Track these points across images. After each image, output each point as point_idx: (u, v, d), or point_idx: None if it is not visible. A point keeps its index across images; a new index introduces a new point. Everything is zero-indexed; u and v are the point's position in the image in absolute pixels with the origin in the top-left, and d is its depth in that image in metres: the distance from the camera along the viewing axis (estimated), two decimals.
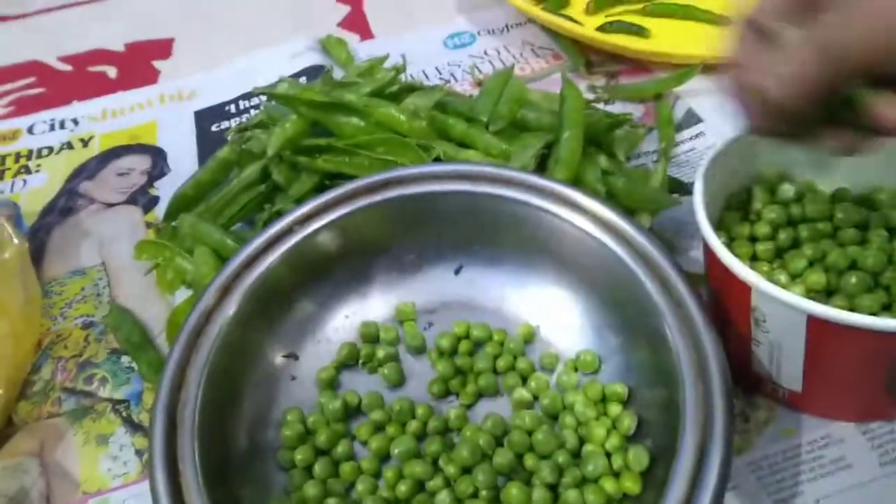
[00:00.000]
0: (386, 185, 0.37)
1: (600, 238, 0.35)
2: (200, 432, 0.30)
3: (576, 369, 0.36)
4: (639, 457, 0.30)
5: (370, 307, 0.38)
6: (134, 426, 0.36)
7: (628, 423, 0.32)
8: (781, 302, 0.29)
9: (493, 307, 0.38)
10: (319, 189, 0.44)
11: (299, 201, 0.43)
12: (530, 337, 0.37)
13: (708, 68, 0.53)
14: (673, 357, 0.30)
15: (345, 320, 0.37)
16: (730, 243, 0.35)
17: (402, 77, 0.48)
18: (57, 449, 0.36)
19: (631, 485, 0.30)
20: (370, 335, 0.37)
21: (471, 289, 0.38)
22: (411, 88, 0.47)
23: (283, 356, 0.35)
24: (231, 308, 0.33)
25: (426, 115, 0.43)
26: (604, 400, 0.34)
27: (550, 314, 0.37)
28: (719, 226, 0.36)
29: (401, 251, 0.38)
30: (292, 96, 0.43)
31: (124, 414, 0.37)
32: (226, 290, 0.34)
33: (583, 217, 0.35)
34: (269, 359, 0.35)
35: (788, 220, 0.35)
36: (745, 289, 0.30)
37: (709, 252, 0.33)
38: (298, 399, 0.35)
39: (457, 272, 0.39)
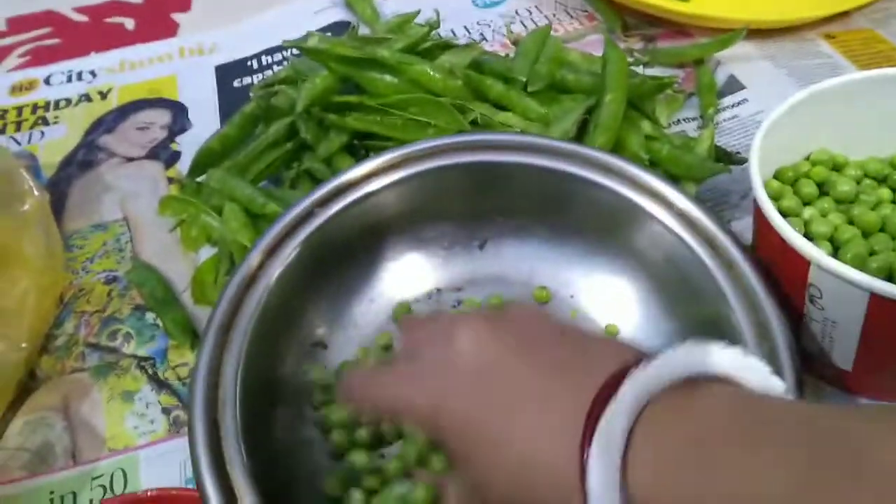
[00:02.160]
0: (406, 160, 0.35)
1: (645, 207, 0.33)
2: (242, 397, 0.29)
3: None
4: None
5: (392, 291, 0.36)
6: (160, 384, 0.36)
7: None
8: (844, 279, 0.28)
9: (523, 280, 0.36)
10: (348, 148, 0.42)
11: (328, 161, 0.42)
12: (547, 300, 0.36)
13: (750, 34, 0.51)
14: (735, 332, 0.29)
15: (370, 304, 0.36)
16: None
17: (434, 34, 0.46)
18: (82, 405, 0.35)
19: None
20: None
21: (498, 263, 0.37)
22: (445, 46, 0.45)
23: (311, 345, 0.34)
24: (274, 272, 0.32)
25: (462, 75, 0.41)
26: None
27: (587, 286, 0.36)
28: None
29: (421, 228, 0.37)
30: (323, 50, 0.41)
31: (150, 371, 0.36)
32: (268, 255, 0.32)
33: (625, 185, 0.34)
34: (307, 331, 0.34)
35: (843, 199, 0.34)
36: (802, 264, 0.29)
37: (762, 224, 0.31)
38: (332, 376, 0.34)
39: (481, 247, 0.37)
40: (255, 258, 0.33)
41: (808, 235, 0.33)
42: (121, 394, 0.35)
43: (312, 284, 0.34)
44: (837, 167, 0.35)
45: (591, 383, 0.21)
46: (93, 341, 0.38)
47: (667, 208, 0.33)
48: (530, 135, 0.36)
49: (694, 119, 0.47)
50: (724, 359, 0.22)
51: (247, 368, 0.30)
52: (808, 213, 0.33)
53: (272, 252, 0.33)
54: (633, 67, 0.49)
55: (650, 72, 0.50)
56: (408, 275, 0.37)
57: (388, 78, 0.41)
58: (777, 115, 0.34)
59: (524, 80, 0.42)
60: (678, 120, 0.47)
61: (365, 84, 0.42)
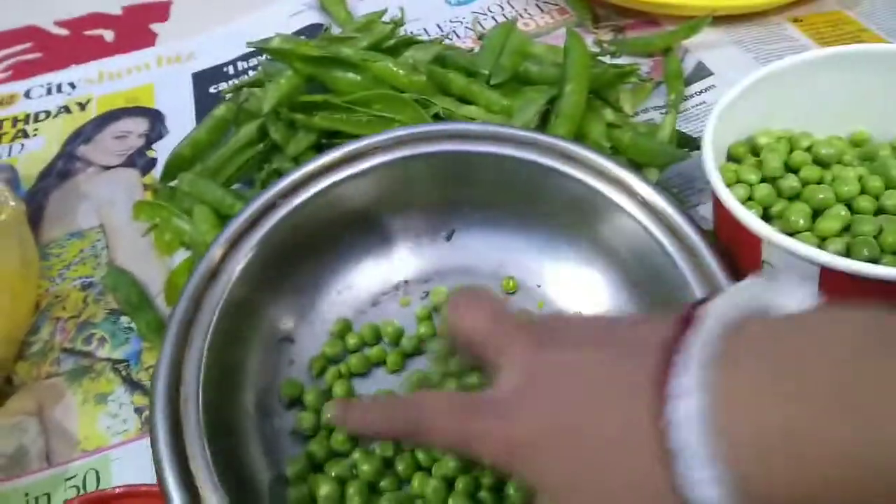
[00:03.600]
0: (371, 150, 0.36)
1: (607, 194, 0.34)
2: (205, 393, 0.29)
3: None
4: None
5: (360, 283, 0.37)
6: (133, 385, 0.36)
7: None
8: (794, 254, 0.28)
9: (491, 271, 0.37)
10: (317, 147, 0.43)
11: (297, 160, 0.42)
12: (514, 290, 0.36)
13: (718, 20, 0.51)
14: None
15: (337, 296, 0.36)
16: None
17: (402, 31, 0.47)
18: (56, 408, 0.35)
19: None
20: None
21: (465, 254, 0.37)
22: (410, 42, 0.45)
23: (278, 340, 0.34)
24: (237, 266, 0.32)
25: (425, 70, 0.42)
26: None
27: (554, 276, 0.36)
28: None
29: (387, 219, 0.37)
30: (286, 50, 0.42)
31: (124, 373, 0.37)
32: (230, 247, 0.33)
33: (586, 173, 0.34)
34: (271, 325, 0.34)
35: (792, 168, 0.34)
36: (755, 241, 0.29)
37: (718, 205, 0.32)
38: (298, 371, 0.34)
39: (448, 238, 0.38)
40: (216, 252, 0.33)
41: (768, 216, 0.33)
42: (94, 396, 0.36)
43: (277, 278, 0.35)
44: (793, 146, 0.35)
45: (650, 361, 0.19)
46: (68, 346, 0.38)
47: (629, 196, 0.33)
48: (495, 124, 0.37)
49: (663, 107, 0.47)
50: (776, 292, 0.20)
51: (210, 364, 0.30)
52: (764, 190, 0.33)
53: (234, 245, 0.33)
54: (601, 58, 0.49)
55: (620, 62, 0.50)
56: (375, 267, 0.37)
57: (351, 75, 0.42)
58: (731, 97, 0.34)
59: (487, 73, 0.42)
60: (647, 108, 0.47)
61: (329, 83, 0.42)
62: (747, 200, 0.33)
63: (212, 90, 0.56)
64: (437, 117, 0.40)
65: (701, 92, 0.48)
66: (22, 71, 0.61)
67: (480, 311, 0.25)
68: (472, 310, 0.25)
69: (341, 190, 0.35)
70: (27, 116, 0.56)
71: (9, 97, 0.58)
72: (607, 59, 0.50)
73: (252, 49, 0.56)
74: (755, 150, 0.36)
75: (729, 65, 0.49)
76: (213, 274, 0.32)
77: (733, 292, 0.20)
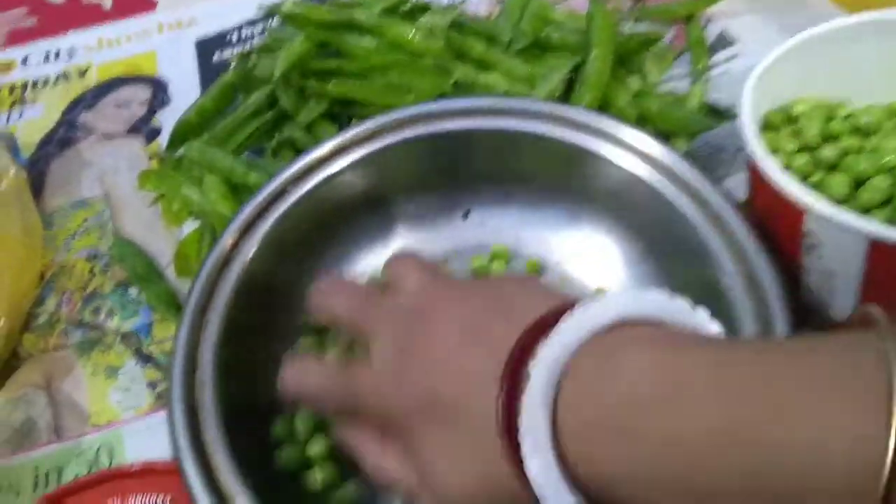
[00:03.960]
0: (380, 131, 0.34)
1: (632, 170, 0.32)
2: (221, 377, 0.28)
3: None
4: None
5: (377, 265, 0.35)
6: (144, 358, 0.35)
7: None
8: (841, 226, 0.27)
9: (509, 248, 0.35)
10: (329, 115, 0.41)
11: (308, 129, 0.41)
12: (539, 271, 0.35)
13: None
14: (726, 287, 0.28)
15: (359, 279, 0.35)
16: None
17: None
18: (65, 381, 0.34)
19: None
20: None
21: (482, 232, 0.36)
22: (425, 8, 0.44)
23: (296, 326, 0.33)
24: (249, 254, 0.31)
25: (443, 35, 0.40)
26: None
27: (573, 251, 0.35)
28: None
29: (400, 201, 0.36)
30: (298, 14, 0.40)
31: (134, 346, 0.35)
32: (242, 235, 0.32)
33: (609, 144, 0.33)
34: (287, 313, 0.33)
35: (830, 137, 0.33)
36: (797, 213, 0.28)
37: (755, 175, 0.30)
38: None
39: (465, 216, 0.36)
40: (230, 236, 0.32)
41: (806, 187, 0.32)
42: (104, 369, 0.35)
43: (292, 262, 0.33)
44: (831, 114, 0.34)
45: (513, 332, 0.20)
46: (75, 318, 0.37)
47: (652, 165, 0.32)
48: (509, 98, 0.35)
49: (685, 77, 0.46)
50: (654, 302, 0.21)
51: (226, 350, 0.29)
52: (801, 160, 0.32)
53: (248, 230, 0.32)
54: (622, 25, 0.47)
55: (639, 29, 0.49)
56: (392, 248, 0.36)
57: (366, 41, 0.40)
58: (768, 63, 0.33)
59: (508, 39, 0.41)
60: (669, 78, 0.46)
61: (344, 48, 0.41)
62: (785, 170, 0.32)
63: (216, 58, 0.54)
64: (456, 85, 0.38)
65: (725, 61, 0.46)
66: (18, 37, 0.59)
67: (343, 294, 0.27)
68: (335, 294, 0.27)
69: (353, 174, 0.34)
70: (25, 84, 0.54)
71: (6, 64, 0.56)
72: (628, 27, 0.48)
73: (257, 16, 0.55)
74: (791, 119, 0.34)
75: (752, 33, 0.48)
76: (227, 259, 0.31)
77: (638, 295, 0.21)
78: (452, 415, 0.21)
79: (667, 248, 0.32)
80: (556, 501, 0.19)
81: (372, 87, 0.39)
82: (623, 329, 0.20)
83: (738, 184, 0.39)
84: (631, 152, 0.33)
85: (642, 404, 0.18)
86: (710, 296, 0.29)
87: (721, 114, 0.40)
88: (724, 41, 0.48)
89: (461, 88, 0.39)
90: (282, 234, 0.33)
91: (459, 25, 0.42)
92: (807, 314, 0.32)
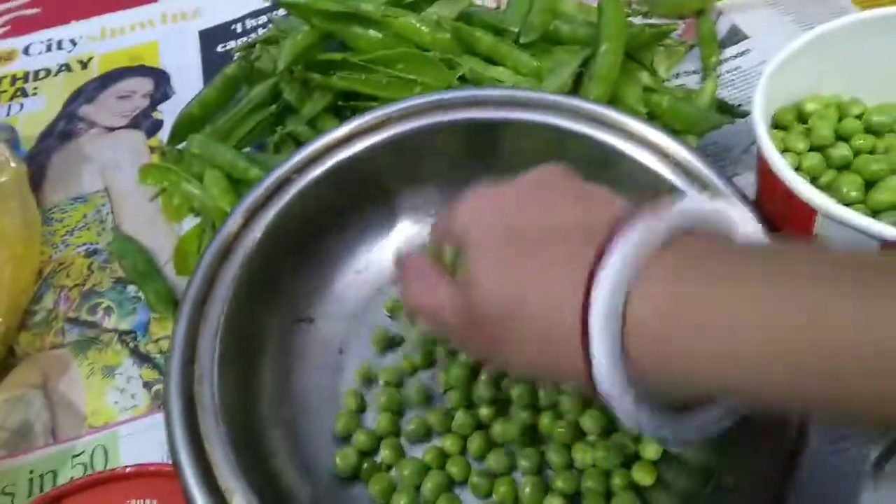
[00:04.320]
0: (388, 120, 0.34)
1: (641, 160, 0.32)
2: (220, 371, 0.28)
3: None
4: None
5: (379, 261, 0.35)
6: (141, 357, 0.35)
7: None
8: (852, 227, 0.26)
9: None
10: (333, 109, 0.41)
11: (312, 122, 0.40)
12: None
13: None
14: None
15: (356, 276, 0.34)
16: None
17: None
18: (61, 381, 0.34)
19: None
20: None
21: None
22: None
23: (296, 320, 0.33)
24: (252, 243, 0.31)
25: (450, 27, 0.39)
26: None
27: None
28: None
29: (406, 193, 0.35)
30: (303, 5, 0.39)
31: (131, 345, 0.35)
32: (245, 224, 0.31)
33: (621, 138, 0.32)
34: (289, 305, 0.32)
35: (842, 136, 0.32)
36: (808, 213, 0.27)
37: (766, 174, 0.30)
38: (319, 352, 0.33)
39: None
40: (230, 228, 0.31)
41: (817, 187, 0.31)
42: (101, 368, 0.34)
43: (293, 256, 0.33)
44: (843, 113, 0.33)
45: (592, 247, 0.20)
46: (73, 316, 0.37)
47: (662, 158, 0.31)
48: (520, 89, 0.34)
49: (695, 72, 0.45)
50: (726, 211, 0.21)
51: (225, 342, 0.28)
52: (813, 159, 0.31)
53: (248, 222, 0.32)
54: (631, 19, 0.46)
55: (651, 23, 0.48)
56: (393, 243, 0.35)
57: (372, 33, 0.39)
58: (780, 60, 0.32)
59: (516, 31, 0.40)
60: (678, 73, 0.45)
61: (349, 40, 0.40)
62: (795, 170, 0.31)
63: (219, 49, 0.53)
64: (462, 79, 0.38)
65: (736, 56, 0.45)
66: (20, 26, 0.59)
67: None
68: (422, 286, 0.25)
69: (356, 165, 0.33)
70: (26, 74, 0.53)
71: (7, 53, 0.56)
72: (638, 20, 0.47)
73: (261, 6, 0.55)
74: (802, 117, 0.33)
75: (764, 28, 0.47)
76: (227, 251, 0.31)
77: (699, 202, 0.21)
78: (534, 313, 0.21)
79: None
80: (614, 393, 0.19)
81: (377, 80, 0.39)
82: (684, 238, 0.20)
83: (746, 183, 0.38)
84: (643, 146, 0.32)
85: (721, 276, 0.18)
86: None
87: (731, 111, 0.39)
88: (735, 36, 0.47)
89: (468, 82, 0.38)
90: (283, 225, 0.32)
91: (467, 17, 0.42)
92: None
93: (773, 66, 0.32)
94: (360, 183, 0.34)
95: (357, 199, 0.34)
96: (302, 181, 0.33)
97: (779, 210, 0.30)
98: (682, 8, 0.48)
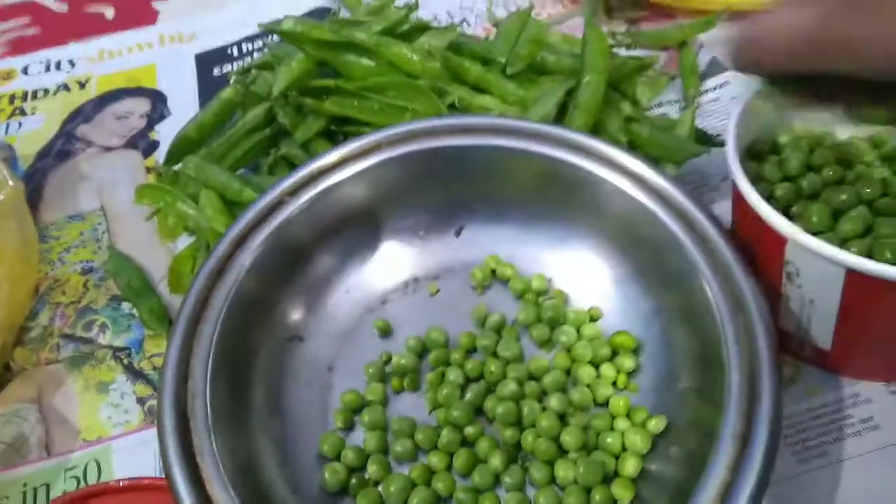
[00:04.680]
0: (377, 146, 0.35)
1: (622, 187, 0.33)
2: (213, 389, 0.28)
3: (591, 320, 0.34)
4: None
5: (369, 281, 0.36)
6: (135, 374, 0.35)
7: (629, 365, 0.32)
8: (820, 255, 0.27)
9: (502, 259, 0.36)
10: (326, 134, 0.42)
11: (305, 146, 0.42)
12: (543, 291, 0.35)
13: (734, 15, 0.50)
14: (711, 308, 0.29)
15: (345, 295, 0.35)
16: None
17: (414, 17, 0.46)
18: (56, 396, 0.35)
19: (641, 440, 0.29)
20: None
21: (474, 250, 0.36)
22: (423, 29, 0.44)
23: (287, 338, 0.34)
24: (245, 264, 0.32)
25: (440, 56, 0.41)
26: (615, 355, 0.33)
27: (564, 270, 0.36)
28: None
29: (395, 216, 0.36)
30: (299, 33, 0.40)
31: (125, 361, 0.36)
32: (237, 245, 0.32)
33: (602, 166, 0.34)
34: (280, 323, 0.33)
35: (813, 167, 0.34)
36: (779, 241, 0.29)
37: (739, 202, 0.31)
38: (309, 370, 0.33)
39: (457, 234, 0.37)
40: (223, 249, 0.32)
41: (788, 216, 0.32)
42: (95, 384, 0.35)
43: (285, 275, 0.34)
44: (815, 145, 0.34)
45: None
46: (68, 332, 0.37)
47: (640, 186, 0.33)
48: (506, 117, 0.36)
49: (677, 101, 0.47)
50: None
51: (218, 360, 0.29)
52: (784, 189, 0.33)
53: (242, 242, 0.33)
54: (615, 50, 0.48)
55: (633, 54, 0.50)
56: (384, 264, 0.36)
57: (364, 61, 0.41)
58: (754, 92, 0.33)
59: (503, 61, 0.41)
60: (660, 103, 0.47)
61: (342, 68, 0.41)
62: (768, 199, 0.32)
63: (215, 72, 0.54)
64: (451, 106, 0.39)
65: (716, 88, 0.47)
66: (19, 46, 0.60)
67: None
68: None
69: (347, 188, 0.34)
70: (25, 94, 0.55)
71: (6, 73, 0.57)
72: (622, 52, 0.49)
73: (257, 31, 0.56)
74: (776, 149, 0.35)
75: None
76: (221, 270, 0.32)
77: None
78: None
79: (655, 269, 0.33)
80: None
81: (369, 106, 0.40)
82: None
83: (723, 211, 0.40)
84: (623, 174, 0.33)
85: None
86: (695, 317, 0.30)
87: (709, 140, 0.41)
88: (715, 68, 0.49)
89: (457, 110, 0.40)
90: (275, 246, 0.33)
91: (457, 47, 0.43)
92: (787, 340, 0.33)
93: (746, 98, 0.34)
94: (350, 206, 0.35)
95: (347, 221, 0.35)
96: (294, 204, 0.34)
97: (752, 236, 0.31)
98: (664, 40, 0.50)
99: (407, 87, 0.40)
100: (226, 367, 0.30)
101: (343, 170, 0.35)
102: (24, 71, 0.57)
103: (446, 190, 0.36)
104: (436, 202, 0.36)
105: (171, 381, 0.28)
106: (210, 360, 0.29)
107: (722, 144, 0.41)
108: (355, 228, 0.36)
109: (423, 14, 0.55)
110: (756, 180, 0.33)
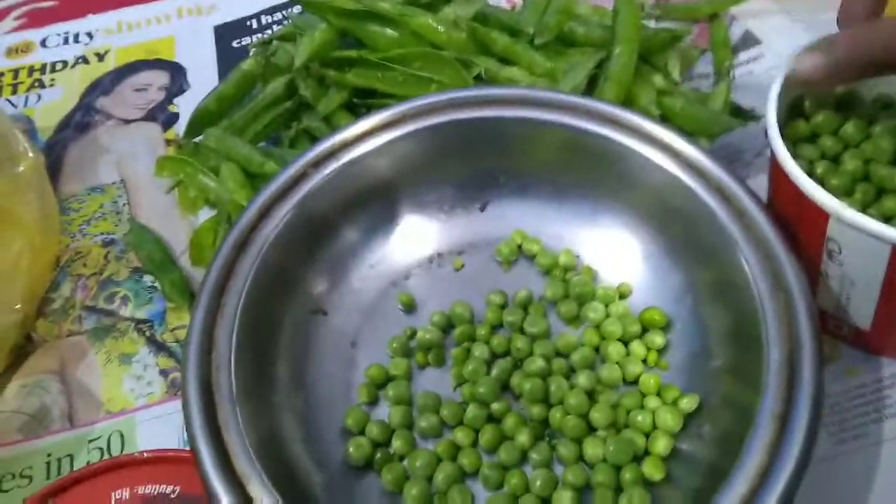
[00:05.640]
0: (403, 118, 0.34)
1: (655, 160, 0.32)
2: (237, 361, 0.28)
3: (621, 297, 0.34)
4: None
5: (392, 255, 0.35)
6: (158, 346, 0.35)
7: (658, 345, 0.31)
8: (865, 231, 0.26)
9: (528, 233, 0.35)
10: (349, 106, 0.41)
11: (327, 119, 0.41)
12: (571, 267, 0.35)
13: None
14: (749, 284, 0.28)
15: (369, 270, 0.35)
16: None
17: None
18: (78, 368, 0.34)
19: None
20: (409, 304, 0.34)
21: (500, 225, 0.36)
22: None
23: (311, 311, 0.33)
24: (269, 235, 0.31)
25: (466, 27, 0.40)
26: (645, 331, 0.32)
27: (592, 245, 0.35)
28: None
29: (420, 190, 0.35)
30: (320, 2, 0.40)
31: (147, 334, 0.36)
32: (261, 216, 0.31)
33: (632, 138, 0.33)
34: (304, 296, 0.33)
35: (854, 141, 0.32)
36: (821, 217, 0.28)
37: (778, 176, 0.30)
38: (333, 344, 0.33)
39: (482, 209, 0.36)
40: (247, 220, 0.32)
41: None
42: (118, 356, 0.35)
43: (309, 248, 0.33)
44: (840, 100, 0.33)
45: None
46: (90, 304, 0.37)
47: (674, 158, 0.32)
48: (535, 88, 0.35)
49: (707, 76, 0.45)
50: None
51: (242, 332, 0.29)
52: (823, 165, 0.32)
53: (265, 214, 0.32)
54: (645, 22, 0.47)
55: (663, 26, 0.48)
56: (408, 239, 0.35)
57: (388, 31, 0.40)
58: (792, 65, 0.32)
59: (531, 32, 0.40)
60: (692, 76, 0.45)
61: (365, 38, 0.40)
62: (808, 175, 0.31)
63: (234, 44, 0.54)
64: (478, 78, 0.38)
65: (748, 62, 0.46)
66: (37, 19, 0.59)
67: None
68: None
69: (371, 160, 0.34)
70: (43, 66, 0.54)
71: (24, 45, 0.56)
72: (651, 24, 0.48)
73: (276, 3, 0.55)
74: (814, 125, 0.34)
75: (778, 33, 0.47)
76: (245, 242, 0.31)
77: None
78: None
79: (688, 244, 0.32)
80: None
81: (393, 78, 0.39)
82: None
83: (758, 186, 0.38)
84: (656, 147, 0.32)
85: None
86: (731, 293, 0.29)
87: (744, 114, 0.40)
88: (748, 41, 0.47)
89: (483, 82, 0.39)
90: (299, 219, 0.32)
91: (483, 17, 0.42)
92: (825, 319, 0.32)
93: (784, 72, 0.32)
94: (374, 179, 0.34)
95: (371, 195, 0.35)
96: (317, 176, 0.33)
97: (791, 213, 0.30)
98: (695, 13, 0.49)
99: (432, 59, 0.39)
100: (250, 340, 0.29)
101: (366, 142, 0.34)
102: (43, 43, 0.56)
103: (472, 164, 0.35)
104: (461, 176, 0.36)
105: (195, 353, 0.28)
106: (234, 332, 0.29)
107: (757, 118, 0.40)
108: (379, 202, 0.35)
109: None
110: (794, 156, 0.32)
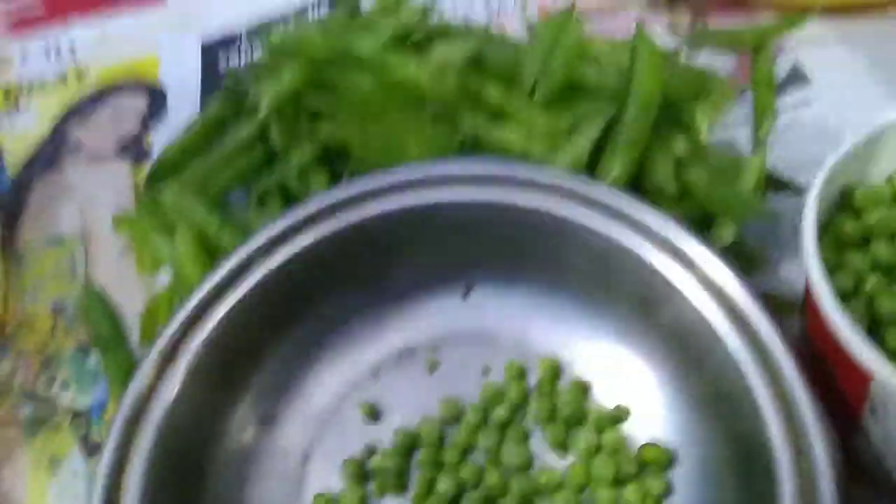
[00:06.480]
0: (366, 196, 0.30)
1: (676, 283, 0.26)
2: (155, 484, 0.25)
3: (616, 421, 0.29)
4: None
5: (355, 350, 0.31)
6: (90, 448, 0.32)
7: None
8: None
9: (513, 340, 0.30)
10: (324, 160, 0.36)
11: (301, 174, 0.36)
12: (557, 373, 0.30)
13: (827, 11, 0.41)
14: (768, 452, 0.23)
15: (327, 369, 0.31)
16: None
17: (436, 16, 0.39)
18: (2, 471, 0.31)
19: None
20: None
21: (482, 316, 0.31)
22: (443, 33, 0.38)
23: (256, 421, 0.29)
24: (175, 383, 0.27)
25: (457, 73, 0.34)
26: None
27: (586, 352, 0.30)
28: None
29: (392, 276, 0.31)
30: (289, 47, 0.35)
31: (82, 432, 0.32)
32: (170, 356, 0.27)
33: (637, 235, 0.27)
34: (235, 434, 0.29)
35: None
36: (863, 377, 0.22)
37: (813, 308, 0.24)
38: (278, 461, 0.29)
39: (465, 296, 0.31)
40: (189, 310, 0.28)
41: (877, 318, 0.25)
42: (48, 459, 0.31)
43: (258, 345, 0.29)
44: None
45: None
46: (29, 387, 0.34)
47: (686, 268, 0.26)
48: (520, 164, 0.30)
49: (744, 123, 0.38)
50: None
51: (165, 447, 0.26)
52: (874, 280, 0.26)
53: (210, 305, 0.28)
54: (674, 46, 0.40)
55: (696, 58, 0.41)
56: (371, 332, 0.31)
57: (366, 80, 0.34)
58: (843, 154, 0.26)
59: (532, 80, 0.34)
60: (724, 124, 0.39)
61: (339, 83, 0.35)
62: (853, 295, 0.25)
63: (221, 66, 0.49)
64: (462, 144, 0.33)
65: (794, 108, 0.39)
66: (19, 28, 0.56)
67: None
68: None
69: (334, 244, 0.29)
70: (20, 86, 0.51)
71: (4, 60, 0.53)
72: (683, 54, 0.41)
73: (269, 19, 0.50)
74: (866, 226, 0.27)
75: (833, 71, 0.40)
76: (185, 333, 0.28)
77: None
78: None
79: (701, 378, 0.27)
80: None
81: (369, 137, 0.34)
82: None
83: (793, 276, 0.33)
84: (679, 261, 0.27)
85: None
86: (745, 449, 0.24)
87: (783, 185, 0.34)
88: (795, 79, 0.40)
89: (470, 144, 0.33)
90: (241, 317, 0.29)
91: (479, 57, 0.36)
92: (861, 470, 0.26)
93: (836, 159, 0.26)
94: (335, 267, 0.30)
95: (328, 282, 0.30)
96: (266, 265, 0.29)
97: (828, 352, 0.24)
98: (737, 41, 0.42)
99: (411, 111, 0.33)
100: (175, 456, 0.26)
101: (328, 222, 0.30)
102: (23, 56, 0.53)
103: (451, 249, 0.31)
104: (438, 263, 0.31)
105: (108, 469, 0.25)
106: (154, 447, 0.26)
107: (798, 192, 0.33)
108: (338, 292, 0.31)
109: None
110: (835, 267, 0.26)
